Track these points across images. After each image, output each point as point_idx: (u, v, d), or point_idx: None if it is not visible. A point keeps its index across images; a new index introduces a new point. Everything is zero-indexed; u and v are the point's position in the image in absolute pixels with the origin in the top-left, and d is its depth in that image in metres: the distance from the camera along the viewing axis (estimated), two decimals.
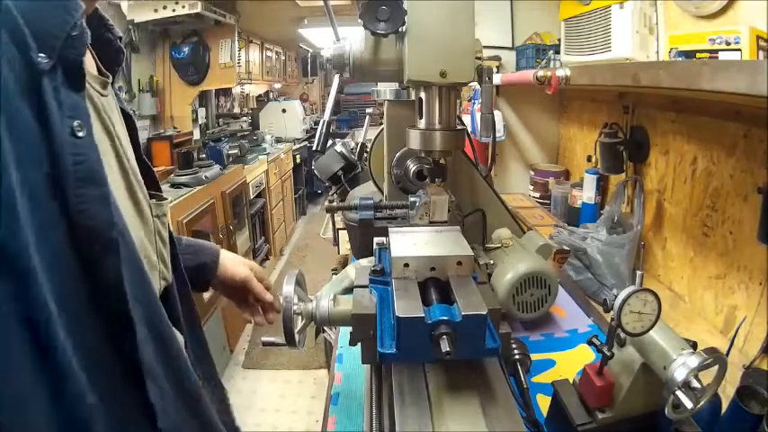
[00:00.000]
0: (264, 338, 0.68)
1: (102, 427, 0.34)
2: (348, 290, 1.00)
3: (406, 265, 0.58)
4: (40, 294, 0.30)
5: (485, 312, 0.50)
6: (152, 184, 0.54)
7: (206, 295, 2.36)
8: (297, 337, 0.62)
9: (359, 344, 0.63)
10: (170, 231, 0.57)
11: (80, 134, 0.34)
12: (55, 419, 0.32)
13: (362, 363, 0.63)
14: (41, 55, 0.32)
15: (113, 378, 0.36)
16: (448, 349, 0.48)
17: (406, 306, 0.51)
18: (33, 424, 0.31)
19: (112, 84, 0.49)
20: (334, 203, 0.98)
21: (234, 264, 0.80)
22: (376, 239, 0.79)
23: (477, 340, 0.51)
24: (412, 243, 0.63)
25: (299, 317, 0.63)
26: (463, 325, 0.49)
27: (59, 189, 0.32)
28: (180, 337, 0.54)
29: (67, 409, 0.32)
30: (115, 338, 0.36)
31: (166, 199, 0.56)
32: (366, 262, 0.99)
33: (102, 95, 0.44)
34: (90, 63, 0.45)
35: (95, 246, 0.34)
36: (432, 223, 0.71)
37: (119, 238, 0.35)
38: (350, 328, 0.61)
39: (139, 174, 0.50)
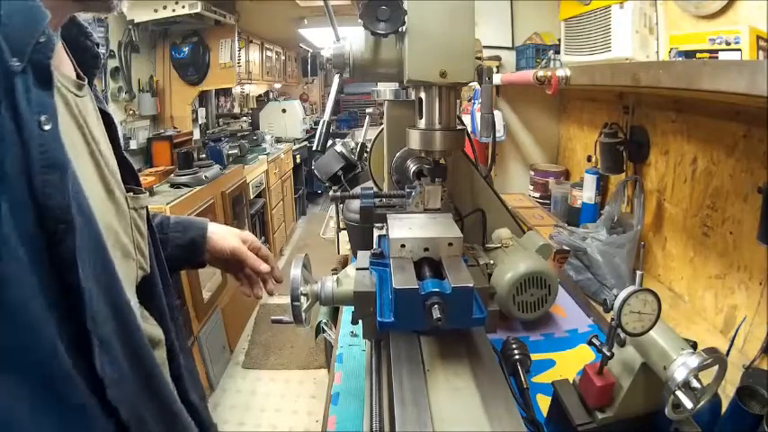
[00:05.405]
0: (273, 317, 0.73)
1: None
2: None
3: (403, 245, 0.64)
4: (12, 258, 0.34)
5: (472, 285, 0.55)
6: (132, 179, 0.58)
7: (206, 295, 2.36)
8: (303, 315, 0.67)
9: (359, 344, 0.64)
10: (150, 223, 0.61)
11: (46, 127, 0.38)
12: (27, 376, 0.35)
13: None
14: (14, 59, 0.36)
15: (70, 352, 0.39)
16: (439, 316, 0.53)
17: (403, 279, 0.57)
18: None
19: (90, 85, 0.53)
20: (338, 193, 1.02)
21: (222, 236, 0.79)
22: (377, 232, 0.82)
23: (465, 311, 0.56)
24: (408, 227, 0.68)
25: (306, 297, 0.68)
26: (453, 296, 0.54)
27: (28, 175, 0.37)
28: (159, 330, 0.57)
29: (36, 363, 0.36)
30: (71, 310, 0.39)
31: (145, 192, 0.59)
32: None
33: (77, 96, 0.49)
34: (68, 67, 0.50)
35: (60, 225, 0.38)
36: (426, 210, 0.76)
37: (76, 219, 0.39)
38: (349, 325, 0.63)
39: (117, 168, 0.54)
